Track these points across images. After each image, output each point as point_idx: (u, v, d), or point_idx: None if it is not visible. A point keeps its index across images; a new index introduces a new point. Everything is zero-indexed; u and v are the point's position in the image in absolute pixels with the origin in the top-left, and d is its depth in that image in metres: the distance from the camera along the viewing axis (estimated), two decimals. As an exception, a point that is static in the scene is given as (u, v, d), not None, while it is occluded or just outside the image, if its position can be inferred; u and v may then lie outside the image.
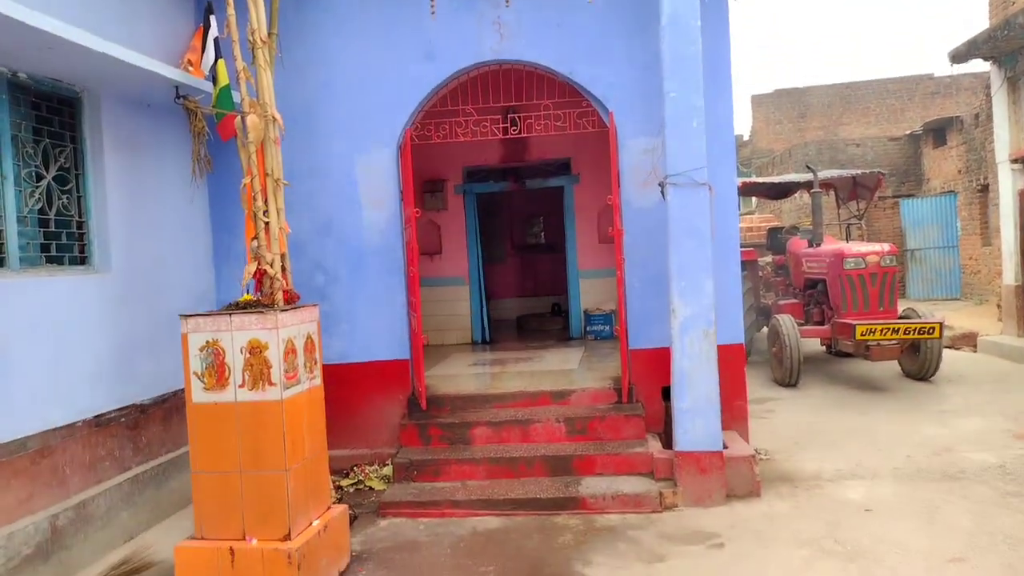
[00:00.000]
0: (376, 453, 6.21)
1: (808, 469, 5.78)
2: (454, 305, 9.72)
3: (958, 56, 10.91)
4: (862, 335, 8.15)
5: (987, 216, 15.31)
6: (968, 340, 11.40)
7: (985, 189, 15.17)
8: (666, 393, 6.00)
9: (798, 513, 4.93)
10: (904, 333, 8.13)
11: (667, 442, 5.89)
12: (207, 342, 4.00)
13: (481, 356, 8.53)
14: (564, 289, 11.32)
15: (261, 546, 3.90)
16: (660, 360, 5.89)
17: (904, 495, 5.13)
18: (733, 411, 5.94)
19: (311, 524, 4.14)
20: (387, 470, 5.87)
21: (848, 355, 9.72)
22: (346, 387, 6.25)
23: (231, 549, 3.90)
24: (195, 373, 4.01)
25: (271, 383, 3.93)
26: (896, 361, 9.09)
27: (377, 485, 5.77)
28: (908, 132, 18.62)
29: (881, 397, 8.20)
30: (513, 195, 12.45)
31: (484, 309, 9.68)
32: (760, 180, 11.50)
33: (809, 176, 10.33)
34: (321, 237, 6.30)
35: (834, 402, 8.08)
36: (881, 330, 8.14)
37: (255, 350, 3.95)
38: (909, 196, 17.88)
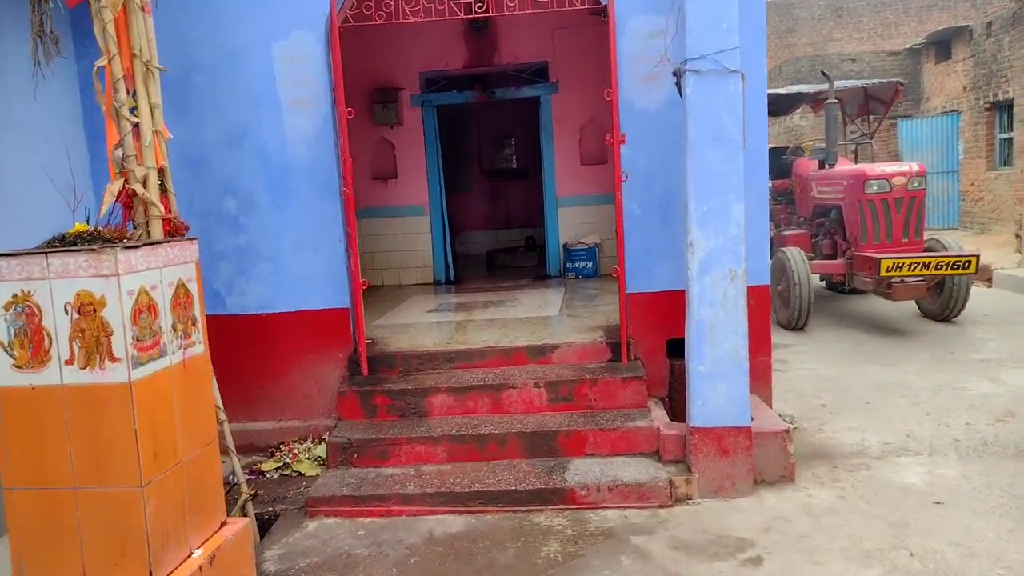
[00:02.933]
0: (310, 426, 4.97)
1: (848, 442, 4.68)
2: (413, 239, 8.38)
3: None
4: (888, 271, 7.01)
5: (994, 137, 14.20)
6: (982, 274, 10.39)
7: (994, 107, 14.01)
8: (672, 348, 4.85)
9: (847, 507, 3.82)
10: (935, 268, 7.01)
11: (672, 409, 4.75)
12: (15, 296, 2.65)
13: (444, 299, 7.26)
14: (539, 220, 10.05)
15: (110, 595, 2.66)
16: (664, 306, 4.76)
17: (977, 480, 4.04)
18: (755, 369, 4.72)
19: (190, 555, 2.90)
20: (321, 449, 4.64)
21: (853, 291, 8.67)
22: (270, 343, 4.98)
23: (64, 601, 2.65)
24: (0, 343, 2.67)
25: (113, 358, 2.61)
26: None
27: (308, 470, 4.55)
28: (908, 46, 17.27)
29: (906, 343, 7.13)
30: (480, 110, 11.02)
31: (448, 244, 8.34)
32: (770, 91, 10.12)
33: (819, 86, 9.01)
34: (231, 150, 4.89)
35: (852, 349, 7.00)
36: (910, 265, 7.00)
37: (87, 308, 2.61)
38: (906, 116, 16.66)
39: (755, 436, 4.08)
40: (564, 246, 8.19)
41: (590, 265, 8.04)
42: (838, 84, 9.48)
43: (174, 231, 3.68)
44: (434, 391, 4.63)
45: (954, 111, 15.42)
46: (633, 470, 4.09)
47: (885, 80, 9.40)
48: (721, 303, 3.98)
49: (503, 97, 8.27)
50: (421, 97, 8.13)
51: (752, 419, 4.14)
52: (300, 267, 4.96)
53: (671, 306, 4.75)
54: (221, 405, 3.87)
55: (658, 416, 4.47)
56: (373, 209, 8.33)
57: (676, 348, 4.93)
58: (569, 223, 8.28)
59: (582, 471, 4.11)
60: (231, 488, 4.14)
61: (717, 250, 3.96)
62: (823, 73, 8.39)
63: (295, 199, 4.92)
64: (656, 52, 4.51)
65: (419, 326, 5.86)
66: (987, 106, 14.07)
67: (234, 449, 3.95)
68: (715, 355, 4.00)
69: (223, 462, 3.50)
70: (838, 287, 9.10)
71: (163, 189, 3.70)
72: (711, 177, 3.91)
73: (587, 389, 4.58)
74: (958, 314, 7.82)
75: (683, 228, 4.67)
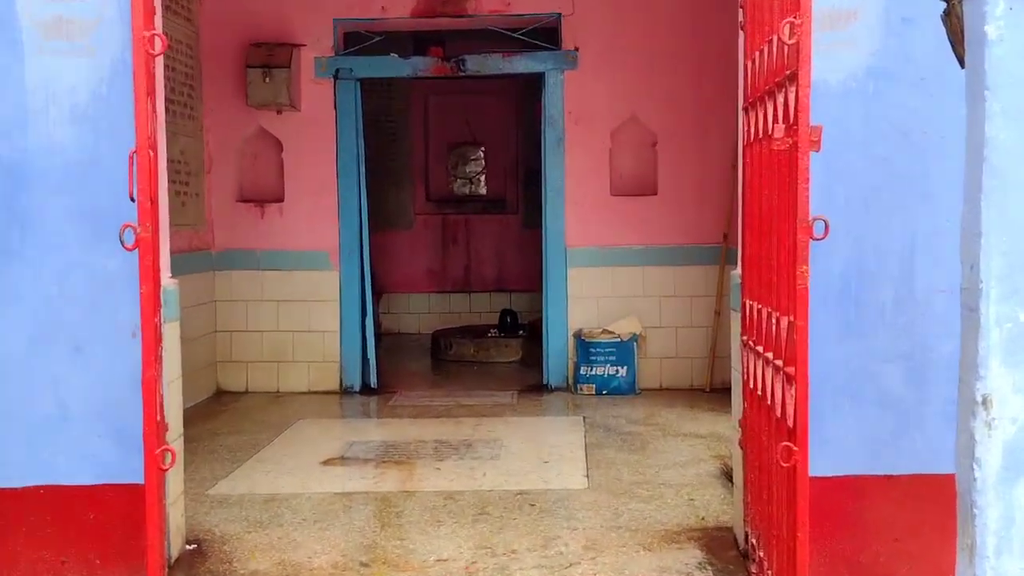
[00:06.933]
0: None
1: None
2: (308, 311, 6.68)
3: None
4: None
5: None
6: None
7: None
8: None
9: None
10: None
11: None
12: None
13: (358, 432, 5.51)
14: (526, 283, 8.58)
15: None
16: (842, 505, 3.32)
17: None
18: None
19: None
20: None
21: None
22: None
23: None
24: None
25: None
26: None
27: None
28: None
29: None
30: (434, 92, 9.54)
31: (370, 323, 6.62)
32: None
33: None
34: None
35: None
36: None
37: None
38: None
39: None
40: (577, 335, 6.50)
41: (623, 372, 6.37)
42: None
43: None
44: None
45: None
46: None
47: None
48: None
49: (478, 71, 6.72)
50: (335, 61, 6.52)
51: None
52: (40, 391, 3.21)
53: (857, 507, 3.18)
54: None
55: None
56: (237, 254, 6.63)
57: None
58: (586, 295, 6.67)
59: None
60: None
61: (1049, 421, 2.28)
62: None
63: (40, 239, 3.27)
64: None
65: (304, 503, 4.05)
66: None
67: None
68: None
69: None
70: None
71: None
72: (1043, 240, 2.26)
73: None
74: None
75: (895, 341, 3.09)
